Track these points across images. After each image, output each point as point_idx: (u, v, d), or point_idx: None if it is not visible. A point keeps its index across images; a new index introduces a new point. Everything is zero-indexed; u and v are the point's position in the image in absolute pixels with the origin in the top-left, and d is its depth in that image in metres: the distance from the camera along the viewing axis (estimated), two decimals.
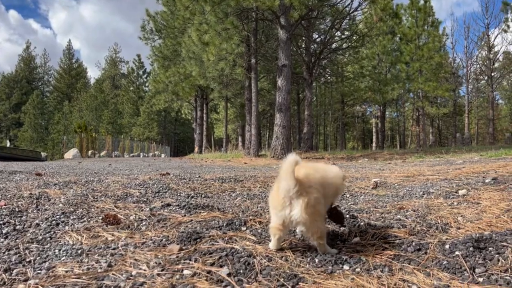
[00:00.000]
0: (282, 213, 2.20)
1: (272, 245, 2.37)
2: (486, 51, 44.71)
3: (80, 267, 2.14)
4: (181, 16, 23.85)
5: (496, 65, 45.87)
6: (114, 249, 2.48)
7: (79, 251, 2.42)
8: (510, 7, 34.11)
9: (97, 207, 3.70)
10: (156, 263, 2.18)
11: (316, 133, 57.20)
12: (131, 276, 2.01)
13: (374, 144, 46.87)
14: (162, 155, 46.41)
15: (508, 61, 47.14)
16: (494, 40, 44.98)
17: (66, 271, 2.07)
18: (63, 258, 2.32)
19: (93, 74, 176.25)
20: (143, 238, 2.71)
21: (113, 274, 2.03)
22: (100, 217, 3.27)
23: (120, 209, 3.65)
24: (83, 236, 2.74)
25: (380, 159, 17.03)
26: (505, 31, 36.74)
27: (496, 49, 44.28)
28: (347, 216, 3.05)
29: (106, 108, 66.71)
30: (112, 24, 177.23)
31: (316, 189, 2.22)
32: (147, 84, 65.66)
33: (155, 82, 36.80)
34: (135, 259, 2.25)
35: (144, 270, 2.09)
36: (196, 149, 38.36)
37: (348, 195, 4.67)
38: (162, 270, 2.07)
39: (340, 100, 49.68)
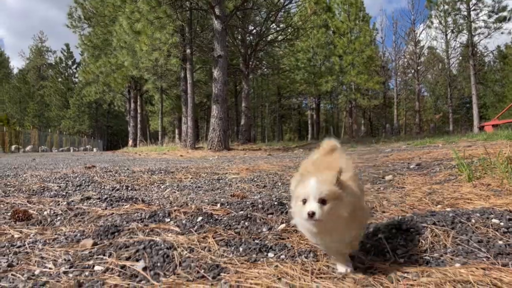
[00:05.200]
0: None
1: None
2: (412, 46, 47.19)
3: None
4: (111, 3, 22.80)
5: (422, 59, 48.59)
6: (19, 247, 2.24)
7: None
8: (433, 4, 36.12)
9: (7, 203, 3.37)
10: (65, 260, 1.99)
11: (254, 125, 57.54)
12: (33, 275, 1.81)
13: (309, 136, 47.96)
14: (94, 149, 44.52)
15: (432, 56, 50.07)
16: (419, 36, 47.56)
17: None
18: None
19: (16, 64, 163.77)
20: (56, 234, 2.48)
21: (12, 274, 1.81)
22: (9, 213, 2.97)
23: (34, 204, 3.35)
24: None
25: (315, 150, 17.42)
26: (429, 27, 38.91)
27: (421, 44, 46.89)
28: (275, 203, 3.00)
29: (31, 100, 62.51)
30: (39, 11, 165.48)
31: None
32: (76, 75, 62.35)
33: (85, 73, 35.00)
34: (42, 257, 2.04)
35: (50, 268, 1.89)
36: (130, 142, 37.13)
37: (280, 184, 4.65)
38: (70, 268, 1.88)
39: (277, 92, 50.30)
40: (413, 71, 47.93)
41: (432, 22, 38.28)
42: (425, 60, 50.44)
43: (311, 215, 1.58)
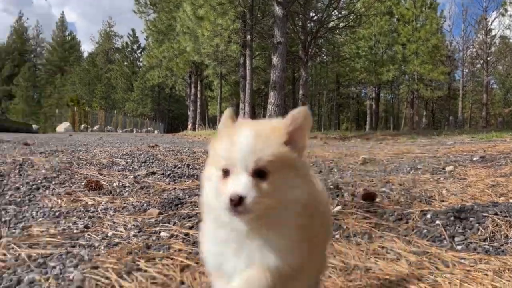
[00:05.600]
0: None
1: None
2: (483, 35, 44.41)
3: (56, 228, 2.11)
4: None
5: (493, 49, 45.63)
6: (93, 212, 2.45)
7: (57, 213, 2.39)
8: None
9: (81, 174, 3.66)
10: (134, 225, 2.16)
11: (311, 113, 56.90)
12: (107, 237, 1.99)
13: (367, 126, 46.82)
14: (155, 131, 46.23)
15: (504, 46, 46.89)
16: (491, 24, 44.53)
17: (41, 231, 2.04)
18: (40, 219, 2.29)
19: (87, 47, 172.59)
20: (124, 203, 2.68)
21: (88, 235, 2.00)
22: (83, 183, 3.23)
23: (104, 176, 3.61)
24: (63, 200, 2.70)
25: (373, 140, 17.03)
26: (503, 15, 36.47)
27: (493, 33, 44.01)
28: (331, 187, 3.03)
29: (99, 82, 65.86)
30: None
31: None
32: (141, 59, 64.81)
33: (149, 57, 36.32)
34: (113, 222, 2.23)
35: (121, 232, 2.06)
36: (190, 126, 38.17)
37: (336, 170, 4.66)
38: (139, 232, 2.05)
39: (335, 81, 49.45)
40: (482, 61, 45.20)
41: (506, 10, 35.85)
42: (496, 50, 47.33)
43: (237, 202, 0.87)
